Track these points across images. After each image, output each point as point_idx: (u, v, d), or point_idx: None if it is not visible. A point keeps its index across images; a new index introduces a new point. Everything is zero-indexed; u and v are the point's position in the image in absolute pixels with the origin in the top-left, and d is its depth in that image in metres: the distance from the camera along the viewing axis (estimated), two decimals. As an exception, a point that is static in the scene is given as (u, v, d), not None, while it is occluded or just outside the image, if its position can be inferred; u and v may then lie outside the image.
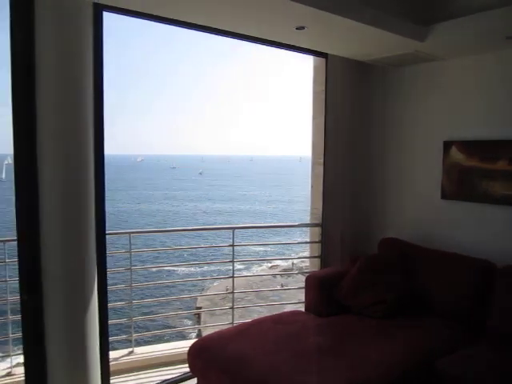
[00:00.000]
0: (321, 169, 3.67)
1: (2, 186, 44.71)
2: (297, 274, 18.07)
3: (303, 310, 3.27)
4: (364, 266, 3.13)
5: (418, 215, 3.64)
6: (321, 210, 3.70)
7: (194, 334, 11.22)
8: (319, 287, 3.11)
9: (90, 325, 2.46)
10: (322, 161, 3.66)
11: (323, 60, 3.57)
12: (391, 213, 3.85)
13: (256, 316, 3.65)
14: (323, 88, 3.60)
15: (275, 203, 40.92)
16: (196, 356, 2.51)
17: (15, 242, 3.50)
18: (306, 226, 4.00)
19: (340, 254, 3.69)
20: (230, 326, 3.75)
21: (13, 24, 2.15)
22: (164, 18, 2.63)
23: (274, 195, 45.99)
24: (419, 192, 3.64)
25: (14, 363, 3.30)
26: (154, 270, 15.77)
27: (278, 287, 14.68)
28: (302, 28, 2.65)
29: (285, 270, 18.09)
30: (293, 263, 19.17)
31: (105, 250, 2.56)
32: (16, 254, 3.15)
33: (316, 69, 3.71)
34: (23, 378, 3.04)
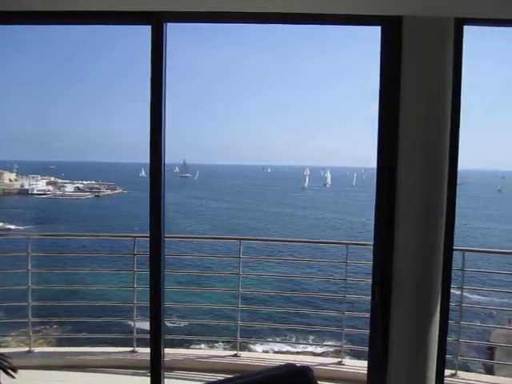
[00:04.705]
0: None
1: (351, 194, 49.84)
2: None
3: None
4: None
5: None
6: None
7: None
8: None
9: (430, 337, 2.49)
10: None
11: None
12: None
13: None
14: None
15: None
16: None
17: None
18: None
19: None
20: None
21: (383, 41, 2.47)
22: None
23: None
24: None
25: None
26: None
27: None
28: None
29: None
30: None
31: (451, 266, 2.55)
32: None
33: None
34: (354, 371, 3.43)
